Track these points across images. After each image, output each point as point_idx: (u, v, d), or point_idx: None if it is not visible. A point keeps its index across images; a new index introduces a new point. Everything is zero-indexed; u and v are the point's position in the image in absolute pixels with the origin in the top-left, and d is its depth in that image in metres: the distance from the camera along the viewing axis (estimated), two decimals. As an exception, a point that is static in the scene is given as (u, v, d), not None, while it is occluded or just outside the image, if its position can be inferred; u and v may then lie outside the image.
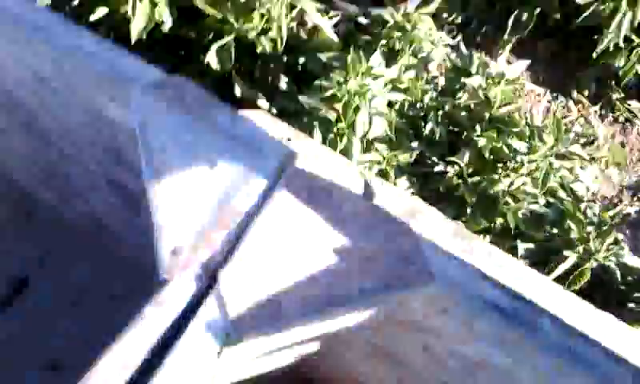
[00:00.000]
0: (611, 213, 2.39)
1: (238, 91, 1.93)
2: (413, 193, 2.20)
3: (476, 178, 2.10)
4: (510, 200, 2.11)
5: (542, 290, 1.10)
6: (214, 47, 1.83)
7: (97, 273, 1.74)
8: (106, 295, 1.72)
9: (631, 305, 2.21)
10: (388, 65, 2.01)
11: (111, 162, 1.48)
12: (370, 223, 1.10)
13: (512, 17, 2.39)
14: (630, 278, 2.22)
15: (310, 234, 1.10)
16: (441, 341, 1.23)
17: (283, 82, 2.05)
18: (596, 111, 2.25)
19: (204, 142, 1.12)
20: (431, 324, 1.20)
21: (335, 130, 1.89)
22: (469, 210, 2.16)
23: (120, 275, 1.65)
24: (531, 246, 2.18)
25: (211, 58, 1.84)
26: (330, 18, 2.11)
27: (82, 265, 1.75)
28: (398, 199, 1.14)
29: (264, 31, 1.94)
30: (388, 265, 1.07)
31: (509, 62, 2.29)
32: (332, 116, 1.86)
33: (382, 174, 1.95)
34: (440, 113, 2.14)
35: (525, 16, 2.40)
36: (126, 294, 1.63)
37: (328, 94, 1.84)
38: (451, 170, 2.16)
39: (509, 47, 2.23)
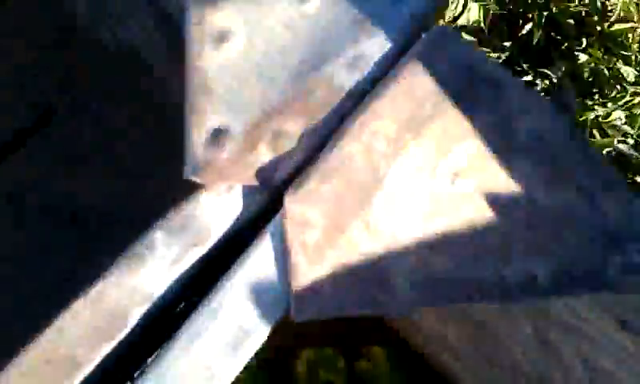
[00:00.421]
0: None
1: None
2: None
3: (566, 100, 1.55)
4: (596, 133, 1.57)
5: None
6: None
7: (133, 117, 1.17)
8: (142, 148, 1.17)
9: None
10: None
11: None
12: (560, 163, 0.54)
13: None
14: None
15: (453, 157, 0.54)
16: (578, 345, 0.70)
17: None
18: None
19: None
20: (580, 326, 0.67)
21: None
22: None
23: (158, 127, 1.09)
24: (607, 190, 1.65)
25: None
26: None
27: (119, 104, 1.19)
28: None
29: None
30: (578, 243, 0.53)
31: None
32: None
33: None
34: (545, 14, 1.55)
35: None
36: (164, 152, 1.08)
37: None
38: (540, 84, 1.60)
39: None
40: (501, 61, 1.50)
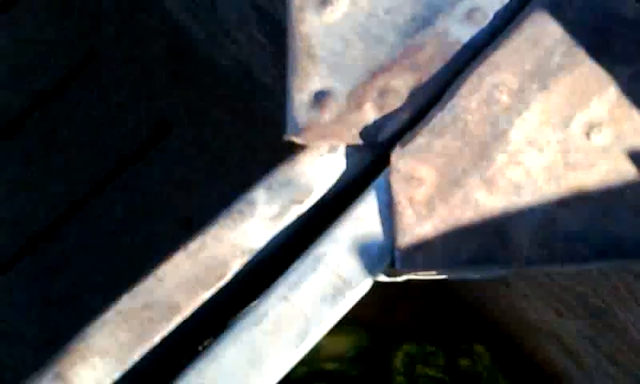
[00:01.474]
0: None
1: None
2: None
3: None
4: None
5: None
6: None
7: (241, 132, 1.29)
8: (249, 156, 1.28)
9: None
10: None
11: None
12: None
13: None
14: None
15: (588, 110, 0.51)
16: None
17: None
18: None
19: None
20: None
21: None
22: None
23: (266, 138, 1.19)
24: None
25: None
26: None
27: (228, 120, 1.32)
28: None
29: None
30: None
31: None
32: None
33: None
34: None
35: None
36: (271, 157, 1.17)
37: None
38: None
39: None
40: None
